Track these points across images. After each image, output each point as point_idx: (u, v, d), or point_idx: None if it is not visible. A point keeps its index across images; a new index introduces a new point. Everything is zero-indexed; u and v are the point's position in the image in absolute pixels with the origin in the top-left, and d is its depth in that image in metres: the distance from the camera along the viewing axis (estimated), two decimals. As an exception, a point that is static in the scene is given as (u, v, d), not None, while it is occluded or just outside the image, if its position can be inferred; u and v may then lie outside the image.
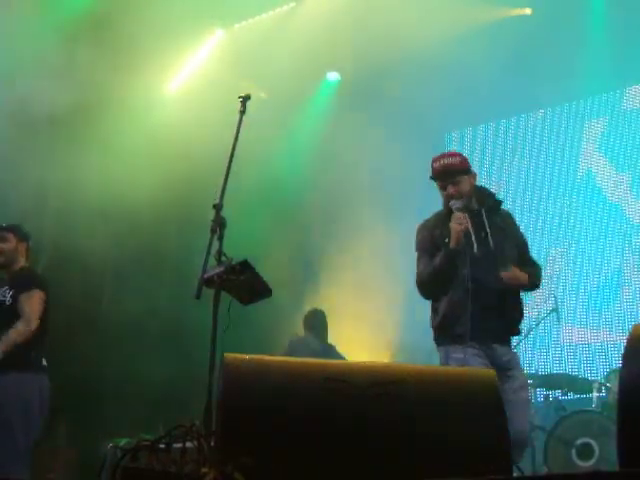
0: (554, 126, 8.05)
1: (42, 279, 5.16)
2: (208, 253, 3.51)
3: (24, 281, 5.03)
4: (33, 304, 4.93)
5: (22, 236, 5.17)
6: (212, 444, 2.26)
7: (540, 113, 8.16)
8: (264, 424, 2.17)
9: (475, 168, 8.26)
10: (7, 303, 4.94)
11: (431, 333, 4.26)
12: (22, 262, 5.15)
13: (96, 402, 6.96)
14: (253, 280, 3.69)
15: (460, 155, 4.20)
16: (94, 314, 7.69)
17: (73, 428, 7.29)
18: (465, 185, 4.06)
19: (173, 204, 7.88)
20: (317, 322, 6.75)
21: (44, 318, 4.97)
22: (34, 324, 4.88)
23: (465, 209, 3.97)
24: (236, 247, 3.64)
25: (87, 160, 6.72)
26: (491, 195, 4.20)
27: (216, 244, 3.53)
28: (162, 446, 2.35)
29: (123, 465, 2.28)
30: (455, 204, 4.00)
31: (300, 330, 6.92)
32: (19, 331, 4.82)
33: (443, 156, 4.17)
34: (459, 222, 3.91)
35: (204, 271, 3.48)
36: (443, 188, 4.10)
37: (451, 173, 4.07)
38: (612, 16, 7.11)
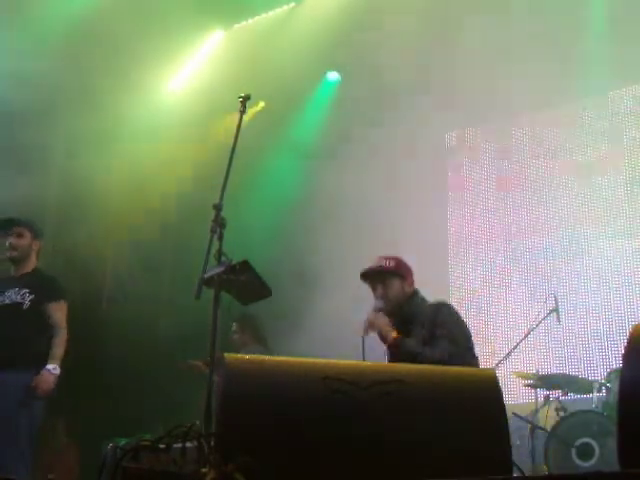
0: (554, 126, 8.04)
1: (64, 288, 5.16)
2: (208, 253, 3.52)
3: (51, 290, 5.01)
4: (64, 315, 4.97)
5: (37, 233, 5.14)
6: (212, 444, 2.26)
7: (540, 113, 8.15)
8: (264, 424, 2.17)
9: (474, 168, 8.36)
10: (25, 307, 4.89)
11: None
12: (34, 261, 5.11)
13: (96, 402, 6.96)
14: (253, 280, 3.70)
15: (396, 260, 4.10)
16: (94, 314, 7.69)
17: (73, 428, 7.29)
18: (394, 290, 3.98)
19: (173, 204, 7.88)
20: (263, 330, 6.46)
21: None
22: (66, 333, 4.94)
23: (383, 319, 3.91)
24: (235, 247, 3.65)
25: (86, 161, 6.73)
26: (416, 313, 3.98)
27: (216, 244, 3.54)
28: (162, 446, 2.35)
29: (123, 465, 2.28)
30: (377, 304, 3.97)
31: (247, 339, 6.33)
32: (63, 342, 4.88)
33: (379, 259, 4.10)
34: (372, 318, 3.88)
35: (204, 271, 3.49)
36: (373, 289, 4.05)
37: (380, 274, 4.01)
38: (612, 16, 7.11)
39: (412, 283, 4.08)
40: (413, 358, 3.69)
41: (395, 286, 3.99)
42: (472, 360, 3.91)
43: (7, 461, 4.62)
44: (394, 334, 3.82)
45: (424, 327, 3.88)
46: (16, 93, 6.13)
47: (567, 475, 2.09)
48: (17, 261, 5.07)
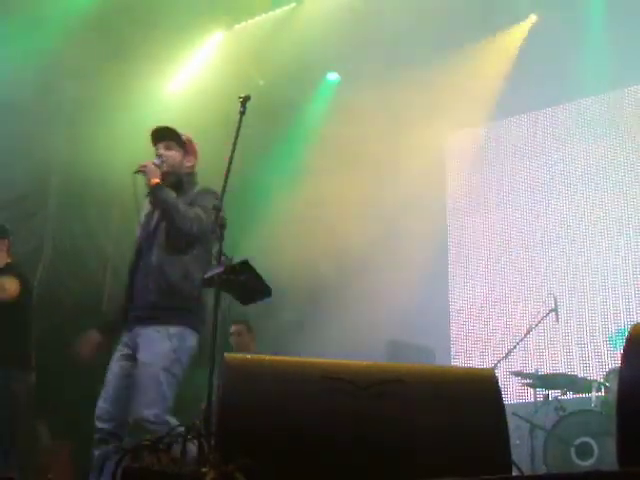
0: (554, 126, 8.05)
1: (22, 271, 5.26)
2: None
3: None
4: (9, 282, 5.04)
5: (1, 234, 5.25)
6: (212, 444, 2.26)
7: (540, 113, 8.17)
8: (264, 424, 2.18)
9: (475, 169, 8.36)
10: None
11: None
12: (4, 259, 5.22)
13: (96, 402, 6.95)
14: (253, 280, 3.71)
15: (189, 137, 4.15)
16: (94, 314, 7.68)
17: (73, 428, 7.29)
18: (175, 155, 4.01)
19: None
20: None
21: (29, 313, 5.05)
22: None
23: (156, 167, 3.90)
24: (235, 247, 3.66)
25: (87, 160, 6.73)
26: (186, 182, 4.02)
27: (216, 244, 3.55)
28: (162, 446, 2.36)
29: (123, 465, 2.29)
30: (156, 160, 3.96)
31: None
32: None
33: None
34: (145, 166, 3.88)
35: (204, 271, 3.50)
36: (157, 149, 4.05)
37: (166, 136, 4.03)
38: (611, 16, 7.11)
39: (192, 162, 4.12)
40: (167, 208, 3.80)
41: (176, 155, 4.03)
42: (206, 252, 3.91)
43: None
44: (158, 180, 3.86)
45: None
46: (16, 91, 6.14)
47: (567, 474, 2.10)
48: None
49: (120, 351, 3.87)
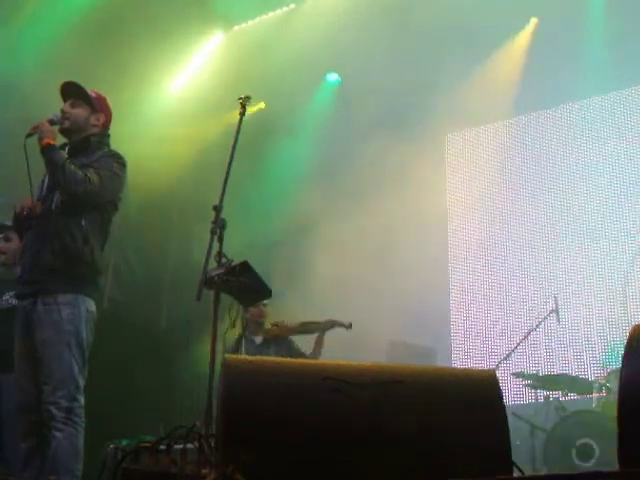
0: (554, 126, 8.05)
1: None
2: (208, 254, 3.53)
3: None
4: None
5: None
6: (213, 445, 2.26)
7: (540, 114, 8.16)
8: (264, 425, 2.18)
9: (475, 169, 8.36)
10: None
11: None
12: None
13: (96, 403, 6.95)
14: (253, 281, 3.71)
15: (100, 95, 3.99)
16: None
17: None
18: (80, 113, 3.86)
19: (173, 205, 7.89)
20: None
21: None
22: None
23: (51, 127, 3.73)
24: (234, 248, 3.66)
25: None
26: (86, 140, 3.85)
27: (216, 245, 3.55)
28: (163, 447, 2.36)
29: (124, 466, 2.29)
30: (55, 116, 3.80)
31: None
32: None
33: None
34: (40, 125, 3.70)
35: (204, 272, 3.50)
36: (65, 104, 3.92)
37: (73, 93, 3.88)
38: (612, 16, 7.12)
39: (103, 123, 3.97)
40: (54, 167, 3.63)
41: (82, 112, 3.88)
42: (109, 211, 3.84)
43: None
44: (50, 140, 3.69)
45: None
46: (15, 91, 6.14)
47: (567, 475, 2.10)
48: (4, 264, 5.13)
49: (17, 332, 3.71)
